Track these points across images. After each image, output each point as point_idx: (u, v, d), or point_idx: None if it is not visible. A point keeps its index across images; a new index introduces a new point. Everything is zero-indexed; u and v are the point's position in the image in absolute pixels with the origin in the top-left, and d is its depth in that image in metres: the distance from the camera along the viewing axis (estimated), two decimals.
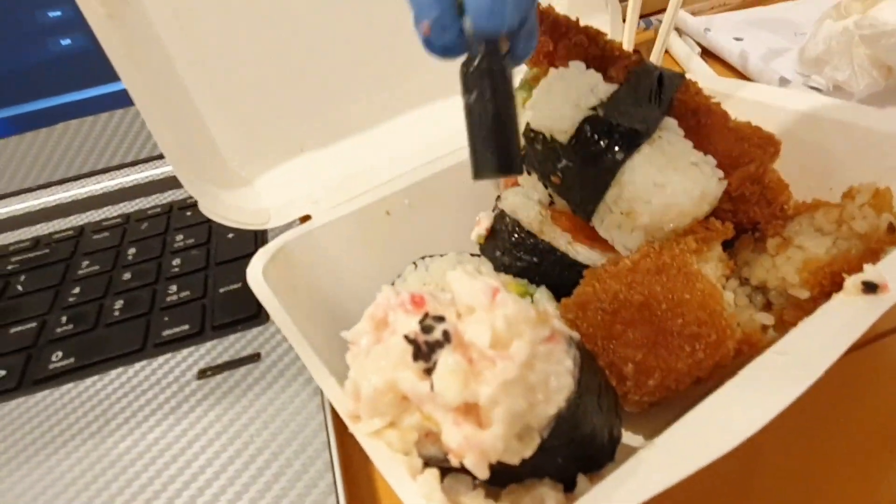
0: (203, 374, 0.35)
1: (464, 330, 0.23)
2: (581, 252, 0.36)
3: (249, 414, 0.32)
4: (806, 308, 0.30)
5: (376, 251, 0.40)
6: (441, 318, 0.23)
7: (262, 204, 0.42)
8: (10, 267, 0.49)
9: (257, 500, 0.28)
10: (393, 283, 0.37)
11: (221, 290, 0.41)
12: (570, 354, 0.23)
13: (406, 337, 0.23)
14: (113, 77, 0.36)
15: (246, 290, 0.38)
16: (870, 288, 0.25)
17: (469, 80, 0.25)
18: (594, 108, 0.33)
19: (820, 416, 0.31)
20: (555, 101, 0.33)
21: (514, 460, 0.22)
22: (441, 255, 0.39)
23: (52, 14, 0.59)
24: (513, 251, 0.37)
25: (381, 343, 0.24)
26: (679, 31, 0.71)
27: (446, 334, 0.22)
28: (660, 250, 0.30)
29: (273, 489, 0.28)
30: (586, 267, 0.35)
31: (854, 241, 0.31)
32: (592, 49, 0.36)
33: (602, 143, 0.32)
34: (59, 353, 0.39)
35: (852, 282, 0.26)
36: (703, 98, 0.35)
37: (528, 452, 0.22)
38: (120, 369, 0.37)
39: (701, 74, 0.63)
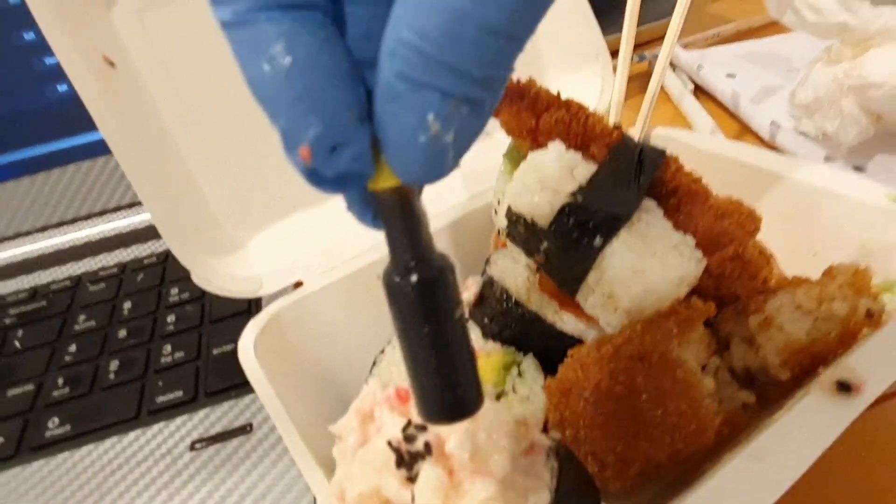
0: (195, 445, 0.36)
1: (445, 439, 0.23)
2: (568, 322, 0.36)
3: (240, 490, 0.33)
4: (786, 386, 0.31)
5: (368, 316, 0.39)
6: (423, 428, 0.24)
7: (255, 270, 0.42)
8: (7, 320, 0.50)
9: None
10: (383, 350, 0.37)
11: (215, 352, 0.42)
12: (548, 467, 0.24)
13: (389, 444, 0.23)
14: None
15: (235, 353, 0.39)
16: (844, 388, 0.26)
17: (394, 291, 0.20)
18: (573, 194, 0.33)
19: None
20: (534, 187, 0.33)
21: None
22: None
23: (49, 61, 0.60)
24: (501, 319, 0.38)
25: (367, 444, 0.25)
26: (673, 65, 0.72)
27: (427, 446, 0.23)
28: (642, 334, 0.31)
29: None
30: (573, 337, 0.36)
31: (834, 322, 0.31)
32: (574, 126, 0.36)
33: (581, 229, 0.32)
34: (56, 420, 0.40)
35: (828, 378, 0.26)
36: (684, 176, 0.36)
37: None
38: (115, 438, 0.38)
39: (694, 115, 0.63)
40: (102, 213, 0.61)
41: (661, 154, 0.36)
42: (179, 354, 0.42)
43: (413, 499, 0.23)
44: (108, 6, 0.38)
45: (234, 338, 0.42)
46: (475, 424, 0.24)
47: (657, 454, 0.28)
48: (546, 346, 0.36)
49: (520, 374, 0.37)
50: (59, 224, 0.60)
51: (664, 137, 0.47)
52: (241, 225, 0.43)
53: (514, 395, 0.36)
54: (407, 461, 0.23)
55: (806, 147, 0.54)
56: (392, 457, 0.23)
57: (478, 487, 0.22)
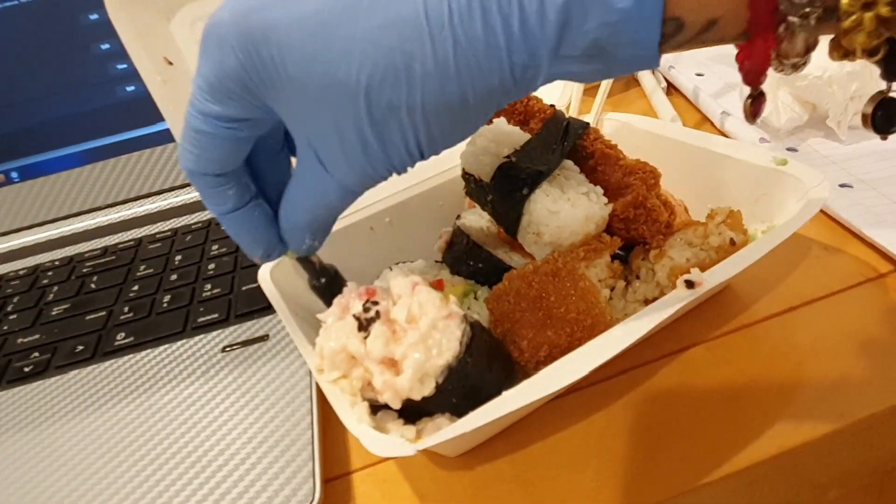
0: (226, 349, 0.48)
1: (391, 308, 0.34)
2: (515, 259, 0.47)
3: (257, 377, 0.44)
4: None
5: (362, 259, 0.49)
6: (376, 303, 0.34)
7: None
8: (85, 270, 0.62)
9: (262, 430, 0.39)
10: (372, 283, 0.48)
11: (244, 288, 0.53)
12: (460, 328, 0.33)
13: (354, 315, 0.34)
14: None
15: (261, 289, 0.49)
16: (689, 284, 0.36)
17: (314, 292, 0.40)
18: (509, 157, 0.43)
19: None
20: (479, 152, 0.44)
21: (416, 397, 0.32)
22: (412, 262, 0.50)
23: (119, 67, 0.73)
24: (464, 258, 0.47)
25: (340, 320, 0.35)
26: None
27: (377, 313, 0.34)
28: (556, 258, 0.40)
29: (270, 426, 0.39)
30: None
31: (711, 252, 0.41)
32: (518, 105, 0.47)
33: (513, 182, 0.42)
34: (123, 334, 0.51)
35: (680, 281, 0.36)
36: (600, 143, 0.45)
37: (426, 391, 0.32)
38: (166, 345, 0.49)
39: (660, 106, 0.72)
40: (160, 192, 0.73)
41: (584, 125, 0.46)
42: (217, 290, 0.53)
43: (366, 348, 0.33)
44: (167, 20, 0.48)
45: (258, 279, 0.53)
46: (412, 299, 0.34)
47: (560, 340, 0.37)
48: (498, 278, 0.44)
49: (476, 298, 0.47)
50: (126, 200, 0.73)
51: (613, 119, 0.57)
52: None
53: (468, 311, 0.46)
54: (364, 325, 0.33)
55: (748, 132, 0.62)
56: (355, 324, 0.33)
57: (408, 336, 0.32)
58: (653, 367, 0.41)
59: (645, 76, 0.77)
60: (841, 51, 0.26)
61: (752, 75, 0.28)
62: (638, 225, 0.43)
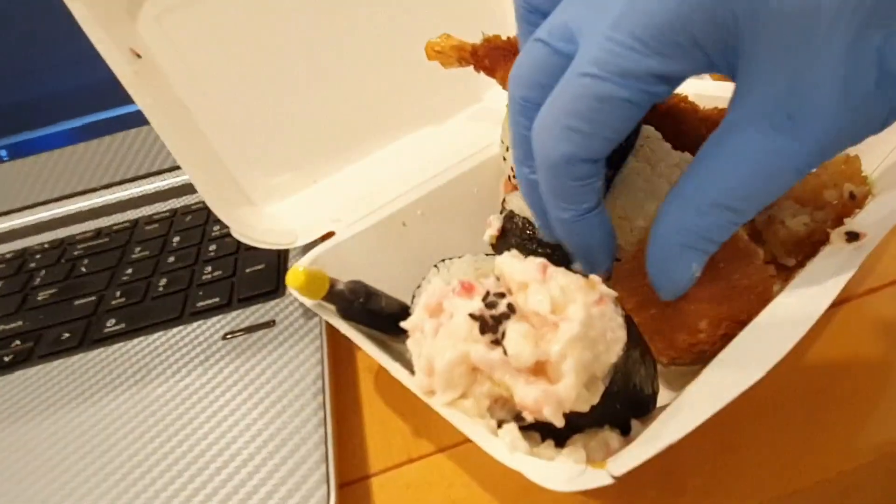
0: (227, 336, 0.38)
1: (525, 300, 0.24)
2: None
3: (262, 366, 0.34)
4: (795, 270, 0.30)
5: (397, 259, 0.41)
6: (503, 294, 0.24)
7: (288, 226, 0.43)
8: (76, 252, 0.49)
9: (268, 426, 0.32)
10: (419, 286, 0.37)
11: (248, 270, 0.42)
12: (619, 313, 0.24)
13: (471, 315, 0.24)
14: None
15: (268, 270, 0.44)
16: (852, 237, 0.27)
17: None
18: None
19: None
20: None
21: (584, 408, 0.22)
22: (459, 258, 0.39)
23: None
24: (527, 245, 0.38)
25: (443, 326, 0.25)
26: None
27: (511, 307, 0.23)
28: None
29: (276, 422, 0.32)
30: None
31: (827, 210, 0.32)
32: None
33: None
34: (113, 320, 0.40)
35: (837, 234, 0.27)
36: (673, 99, 0.36)
37: (595, 399, 0.22)
38: (161, 332, 0.39)
39: None
40: (160, 172, 0.66)
41: None
42: (218, 273, 0.43)
43: (505, 352, 0.23)
44: (132, 14, 0.40)
45: (264, 260, 0.42)
46: (547, 285, 0.24)
47: (740, 314, 0.28)
48: (570, 265, 0.35)
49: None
50: (123, 181, 0.66)
51: None
52: (266, 186, 0.44)
53: None
54: (491, 325, 0.23)
55: None
56: (475, 326, 0.23)
57: (563, 329, 0.22)
58: None
59: None
60: None
61: None
62: None
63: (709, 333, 0.28)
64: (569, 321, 0.23)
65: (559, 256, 0.36)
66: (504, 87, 0.39)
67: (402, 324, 0.26)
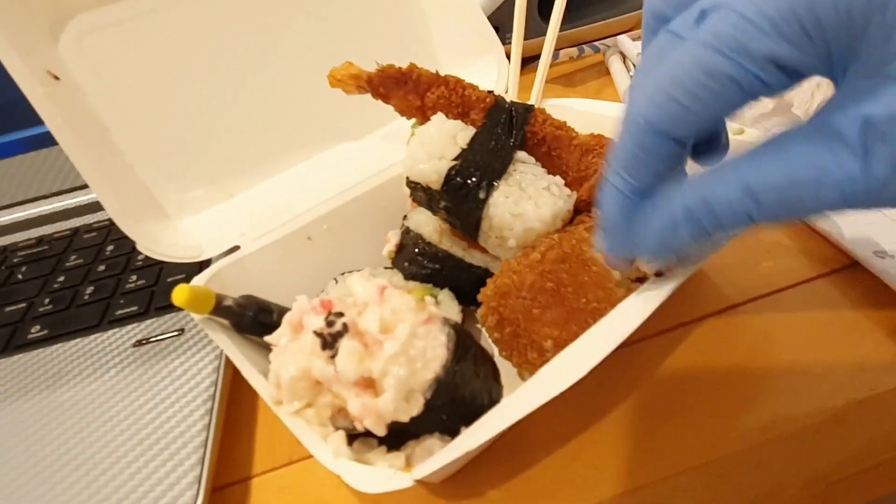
0: (138, 343, 0.40)
1: (359, 319, 0.26)
2: (476, 256, 0.40)
3: (163, 373, 0.36)
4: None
5: (300, 272, 0.42)
6: (341, 314, 0.26)
7: (194, 239, 0.44)
8: (15, 260, 0.51)
9: (156, 430, 0.34)
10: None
11: (169, 280, 0.44)
12: (444, 332, 0.26)
13: (315, 332, 0.26)
14: None
15: (187, 280, 0.46)
16: (658, 273, 0.31)
17: None
18: (457, 157, 0.36)
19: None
20: (422, 157, 0.37)
21: (404, 418, 0.24)
22: (358, 271, 0.42)
23: None
24: (418, 260, 0.40)
25: (296, 341, 0.27)
26: (622, 54, 0.77)
27: (345, 326, 0.25)
28: (560, 242, 0.34)
29: (164, 426, 0.34)
30: (482, 269, 0.39)
31: None
32: (454, 98, 0.40)
33: (466, 187, 0.35)
34: (38, 327, 0.42)
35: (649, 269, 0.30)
36: (549, 126, 0.38)
37: (414, 411, 0.24)
38: (78, 339, 0.41)
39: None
40: None
41: (528, 109, 0.39)
42: (141, 282, 0.44)
43: (336, 369, 0.25)
44: (52, 33, 0.41)
45: (185, 270, 0.44)
46: (383, 307, 0.26)
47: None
48: (459, 279, 0.39)
49: (437, 303, 0.39)
50: (71, 189, 0.69)
51: (556, 105, 0.48)
52: (181, 200, 0.45)
53: None
54: (329, 342, 0.25)
55: None
56: (317, 342, 0.25)
57: (386, 348, 0.24)
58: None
59: (616, 64, 0.74)
60: None
61: None
62: None
63: (554, 353, 0.29)
64: (391, 341, 0.25)
65: (448, 272, 0.40)
66: (400, 113, 0.41)
67: (266, 338, 0.28)
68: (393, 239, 0.42)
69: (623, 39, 0.68)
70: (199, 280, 0.38)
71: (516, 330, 0.31)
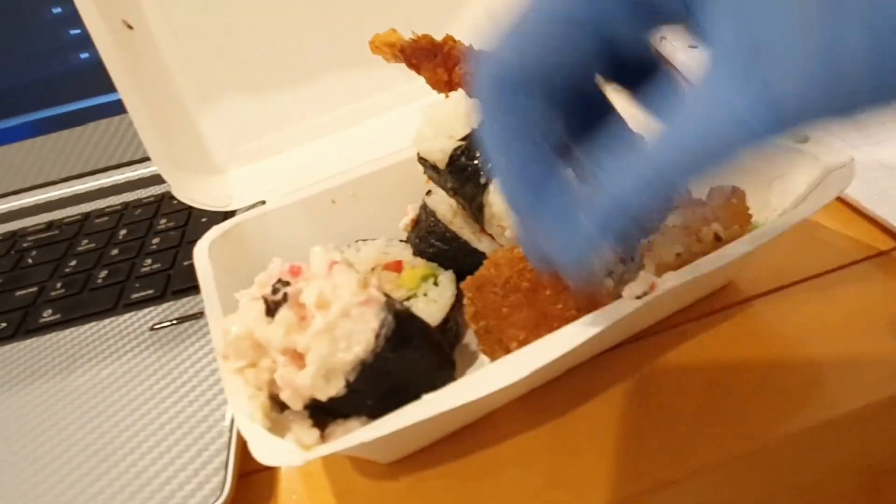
0: (154, 327, 0.42)
1: (301, 291, 0.28)
2: (484, 242, 0.40)
3: (181, 357, 0.39)
4: None
5: (320, 234, 0.43)
6: (287, 283, 0.28)
7: (227, 192, 0.47)
8: (25, 244, 0.56)
9: (178, 415, 0.34)
10: None
11: (185, 263, 0.48)
12: (378, 317, 0.27)
13: (263, 296, 0.28)
14: None
15: None
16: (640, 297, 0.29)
17: None
18: (464, 138, 0.36)
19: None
20: (430, 134, 0.37)
21: (322, 397, 0.26)
22: (373, 240, 0.44)
23: (73, 32, 0.68)
24: (428, 238, 0.42)
25: (247, 301, 0.29)
26: None
27: (285, 295, 0.27)
28: None
29: (186, 411, 0.34)
30: (486, 254, 0.37)
31: (706, 245, 0.33)
32: None
33: (469, 169, 0.36)
34: (50, 311, 0.46)
35: (629, 289, 0.29)
36: None
37: (332, 391, 0.26)
38: (93, 322, 0.44)
39: None
40: (117, 166, 0.69)
41: None
42: (157, 265, 0.48)
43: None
44: None
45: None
46: (327, 282, 0.28)
47: None
48: (463, 262, 0.39)
49: (436, 283, 0.40)
50: (78, 175, 0.68)
51: None
52: (228, 153, 0.49)
53: (424, 297, 0.39)
54: (272, 308, 0.27)
55: None
56: (263, 307, 0.28)
57: (314, 323, 0.26)
58: (627, 349, 0.36)
59: None
60: None
61: None
62: None
63: None
64: (319, 317, 0.26)
65: (453, 254, 0.41)
66: (430, 86, 0.39)
67: (236, 294, 0.30)
68: (411, 213, 0.44)
69: None
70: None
71: (488, 325, 0.32)
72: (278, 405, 0.28)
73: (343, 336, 0.26)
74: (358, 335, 0.27)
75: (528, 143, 0.22)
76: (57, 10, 0.65)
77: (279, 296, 0.28)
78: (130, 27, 0.44)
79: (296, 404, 0.26)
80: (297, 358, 0.27)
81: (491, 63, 0.22)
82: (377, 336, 0.27)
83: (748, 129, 0.18)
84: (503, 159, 0.23)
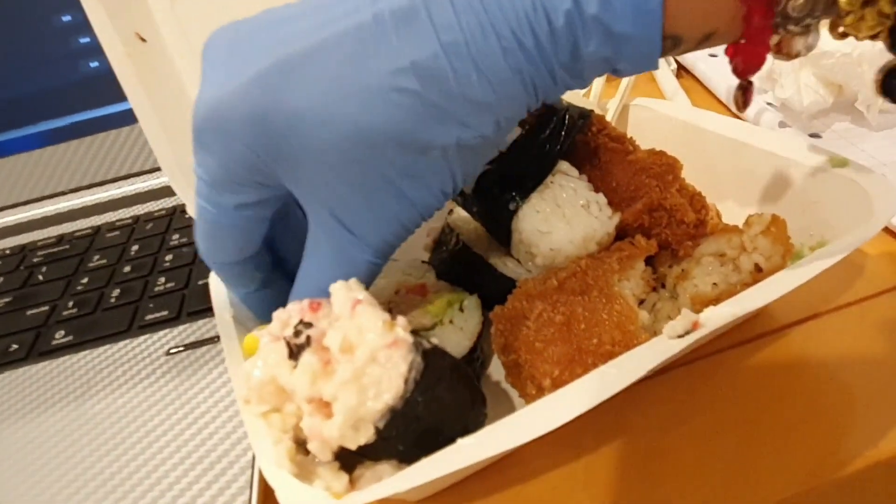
0: (170, 351, 0.41)
1: (324, 334, 0.27)
2: (510, 267, 0.39)
3: (201, 385, 0.38)
4: None
5: None
6: (309, 325, 0.27)
7: None
8: (35, 259, 0.55)
9: (198, 448, 0.33)
10: None
11: (200, 283, 0.47)
12: (406, 360, 0.26)
13: (284, 339, 0.27)
14: None
15: None
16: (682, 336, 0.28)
17: None
18: (492, 161, 0.35)
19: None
20: None
21: (351, 446, 0.25)
22: (394, 261, 0.40)
23: (82, 40, 0.67)
24: (452, 261, 0.40)
25: (275, 342, 0.27)
26: None
27: (308, 339, 0.26)
28: (586, 270, 0.32)
29: (207, 444, 0.33)
30: (513, 279, 0.38)
31: (745, 275, 0.33)
32: None
33: (497, 194, 0.35)
34: (62, 332, 0.45)
35: (671, 328, 0.28)
36: (604, 137, 0.37)
37: (362, 440, 0.25)
38: (107, 346, 0.43)
39: (672, 92, 0.66)
40: (126, 176, 0.68)
41: (584, 115, 0.37)
42: (171, 284, 0.47)
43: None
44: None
45: None
46: (351, 323, 0.26)
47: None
48: (489, 288, 0.38)
49: (461, 309, 0.38)
50: (88, 186, 0.67)
51: (640, 106, 0.49)
52: None
53: (450, 325, 0.37)
54: (294, 353, 0.26)
55: (767, 116, 0.56)
56: (285, 350, 0.26)
57: (339, 371, 0.25)
58: (658, 381, 0.34)
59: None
60: (840, 34, 0.25)
61: (745, 73, 0.27)
62: (659, 230, 0.35)
63: (551, 392, 0.29)
64: (346, 365, 0.25)
65: (478, 278, 0.39)
66: None
67: (254, 332, 0.30)
68: (433, 234, 0.43)
69: None
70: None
71: (518, 359, 0.31)
72: (304, 448, 0.27)
73: (371, 384, 0.25)
74: (387, 382, 0.25)
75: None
76: (66, 19, 0.64)
77: (302, 339, 0.27)
78: (143, 40, 0.43)
79: (325, 455, 0.25)
80: (324, 406, 0.26)
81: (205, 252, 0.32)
82: (406, 381, 0.26)
83: (365, 271, 0.30)
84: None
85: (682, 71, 0.69)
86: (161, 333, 0.43)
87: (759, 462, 0.30)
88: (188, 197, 0.43)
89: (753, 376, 0.34)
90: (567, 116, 0.37)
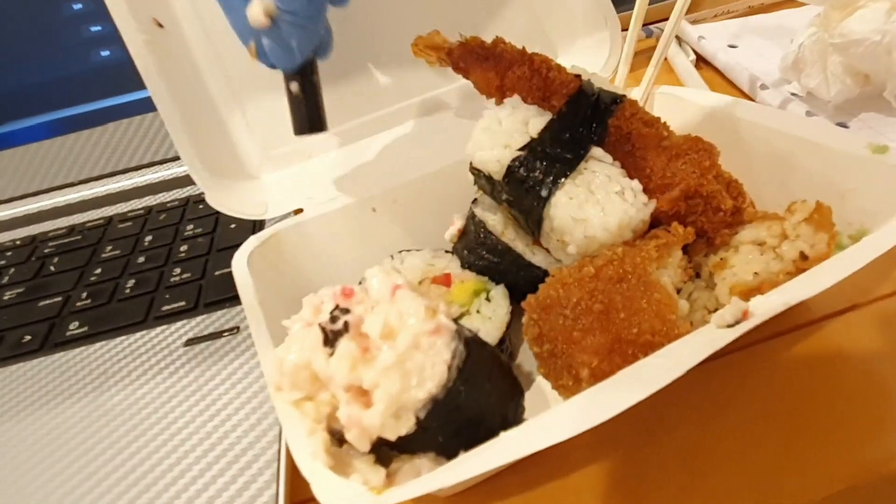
0: (189, 342, 0.40)
1: (363, 319, 0.26)
2: (537, 255, 0.38)
3: (222, 376, 0.37)
4: None
5: (361, 244, 0.43)
6: (346, 311, 0.26)
7: (262, 198, 0.46)
8: (46, 250, 0.54)
9: (221, 441, 0.32)
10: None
11: (217, 273, 0.46)
12: (450, 348, 0.25)
13: (320, 325, 0.26)
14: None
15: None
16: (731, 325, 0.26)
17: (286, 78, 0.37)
18: (523, 148, 0.34)
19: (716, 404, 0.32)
20: (486, 144, 0.35)
21: (391, 436, 0.24)
22: (417, 250, 0.42)
23: (93, 28, 0.66)
24: (477, 250, 0.40)
25: (308, 328, 0.27)
26: (678, 38, 0.73)
27: (346, 325, 0.26)
28: (622, 257, 0.31)
29: (230, 436, 0.32)
30: (542, 270, 0.37)
31: (784, 262, 0.31)
32: (535, 80, 0.36)
33: (529, 181, 0.34)
34: (77, 323, 0.44)
35: (720, 317, 0.26)
36: (637, 122, 0.36)
37: (403, 430, 0.24)
38: (124, 337, 0.42)
39: (689, 81, 0.65)
40: (138, 167, 0.67)
41: (616, 100, 0.36)
42: (187, 275, 0.46)
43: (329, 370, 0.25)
44: None
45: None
46: (391, 307, 0.26)
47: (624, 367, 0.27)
48: (516, 277, 0.38)
49: (488, 299, 0.38)
50: (99, 177, 0.66)
51: (666, 94, 0.48)
52: (261, 157, 0.47)
53: (478, 314, 0.37)
54: (330, 338, 0.25)
55: (792, 106, 0.55)
56: (321, 336, 0.26)
57: (381, 358, 0.24)
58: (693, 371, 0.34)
59: (673, 48, 0.70)
60: None
61: None
62: (695, 217, 0.34)
63: (590, 383, 0.28)
64: (388, 351, 0.24)
65: (505, 267, 0.38)
66: (479, 91, 0.37)
67: (284, 322, 0.28)
68: (457, 222, 0.42)
69: (683, 25, 0.64)
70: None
71: (554, 349, 0.30)
72: (337, 440, 0.26)
73: (415, 370, 0.24)
74: (430, 369, 0.25)
75: None
76: (77, 7, 0.62)
77: (339, 325, 0.26)
78: (161, 25, 0.43)
79: (363, 445, 0.24)
80: (362, 394, 0.25)
81: None
82: (449, 368, 0.25)
83: None
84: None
85: (700, 63, 0.68)
86: (179, 324, 0.42)
87: (802, 457, 0.29)
88: (207, 185, 0.43)
89: (791, 370, 0.33)
90: (599, 101, 0.36)
